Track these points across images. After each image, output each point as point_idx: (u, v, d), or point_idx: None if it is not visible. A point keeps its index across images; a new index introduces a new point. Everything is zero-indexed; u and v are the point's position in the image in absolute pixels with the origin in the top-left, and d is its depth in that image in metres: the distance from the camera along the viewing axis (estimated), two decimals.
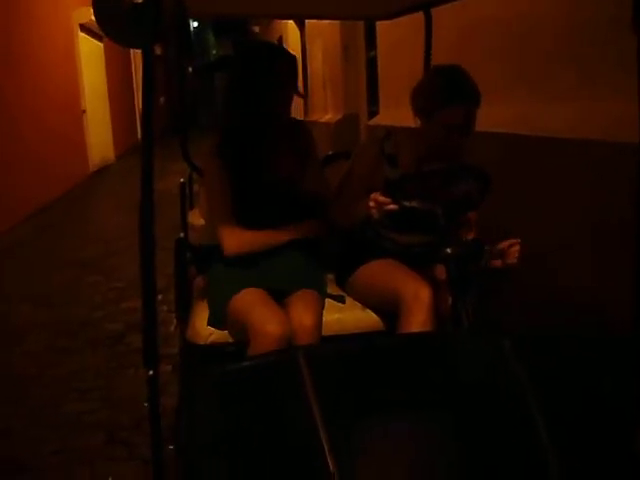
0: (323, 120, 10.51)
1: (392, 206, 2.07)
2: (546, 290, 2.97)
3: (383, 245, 2.35)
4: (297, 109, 14.33)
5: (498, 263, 2.15)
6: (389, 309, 2.25)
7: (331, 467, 1.17)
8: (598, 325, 2.55)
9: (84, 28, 11.38)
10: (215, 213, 2.33)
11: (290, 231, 2.29)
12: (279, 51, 2.30)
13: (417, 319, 2.09)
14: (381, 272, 2.33)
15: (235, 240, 2.27)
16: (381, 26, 7.11)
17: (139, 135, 16.97)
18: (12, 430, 2.96)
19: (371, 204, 2.05)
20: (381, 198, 2.07)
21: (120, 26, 1.71)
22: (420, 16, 3.05)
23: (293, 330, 2.06)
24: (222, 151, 2.28)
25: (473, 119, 2.25)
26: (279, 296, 2.24)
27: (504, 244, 2.16)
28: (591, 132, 2.82)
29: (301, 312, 2.11)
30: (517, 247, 2.19)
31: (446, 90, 2.21)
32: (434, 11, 3.02)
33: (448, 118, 2.21)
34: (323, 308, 2.25)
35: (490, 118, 2.59)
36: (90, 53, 12.01)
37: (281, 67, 2.21)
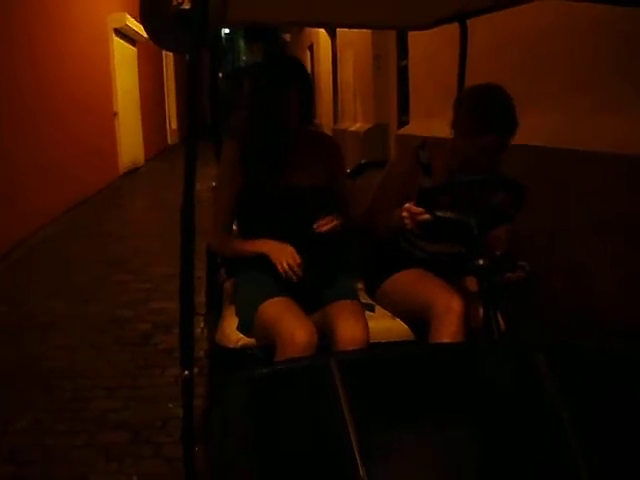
0: (353, 129, 10.53)
1: (425, 216, 2.08)
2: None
3: (415, 254, 2.35)
4: (327, 117, 14.39)
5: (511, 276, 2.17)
6: (419, 319, 2.25)
7: (361, 472, 1.18)
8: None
9: (118, 33, 11.55)
10: (214, 208, 2.41)
11: (271, 243, 2.27)
12: (290, 69, 2.30)
13: (448, 330, 2.09)
14: (413, 282, 2.33)
15: (217, 240, 2.44)
16: (413, 35, 7.11)
17: (169, 139, 17.18)
18: (41, 422, 3.02)
19: (404, 214, 2.07)
20: (414, 208, 2.08)
21: (166, 31, 1.75)
22: (453, 26, 3.05)
23: (341, 342, 2.07)
24: (240, 156, 2.34)
25: (508, 143, 2.25)
26: (310, 304, 2.25)
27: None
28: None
29: (351, 325, 2.11)
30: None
31: (488, 119, 2.20)
32: (470, 22, 3.02)
33: (483, 143, 2.21)
34: None
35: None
36: (123, 57, 12.18)
37: (288, 87, 2.24)
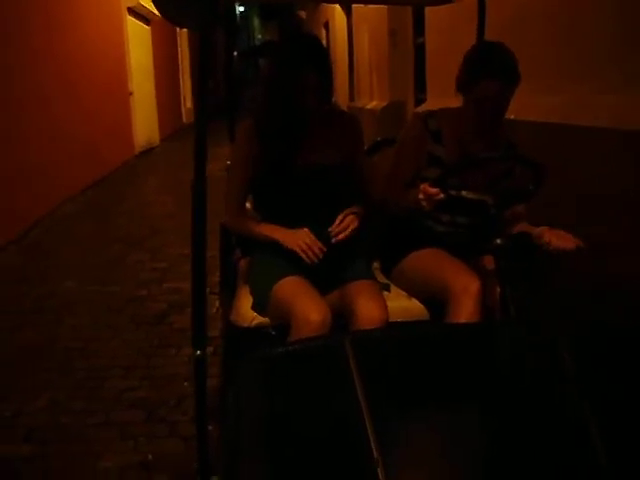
0: (369, 107, 10.44)
1: (441, 196, 2.04)
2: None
3: (436, 228, 2.32)
4: (343, 95, 14.29)
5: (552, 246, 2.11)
6: (436, 299, 2.23)
7: (375, 453, 1.16)
8: None
9: (132, 11, 11.50)
10: (228, 186, 2.40)
11: (284, 230, 2.25)
12: (309, 49, 2.23)
13: (466, 311, 2.06)
14: (430, 262, 2.30)
15: (230, 220, 2.42)
16: (430, 12, 7.00)
17: (184, 118, 17.15)
18: (57, 401, 3.04)
19: (421, 196, 2.03)
20: (430, 189, 2.04)
21: (179, 9, 1.71)
22: (471, 1, 2.99)
23: (360, 322, 2.05)
24: (255, 134, 2.30)
25: (508, 96, 2.21)
26: (327, 285, 2.23)
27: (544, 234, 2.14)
28: None
29: (369, 305, 2.09)
30: (556, 232, 2.16)
31: (479, 63, 2.20)
32: None
33: (481, 92, 2.18)
34: None
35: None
36: (137, 36, 12.13)
37: (307, 67, 2.17)
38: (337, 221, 2.22)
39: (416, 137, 2.37)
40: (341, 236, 2.20)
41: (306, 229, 2.19)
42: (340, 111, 2.53)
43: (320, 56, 2.22)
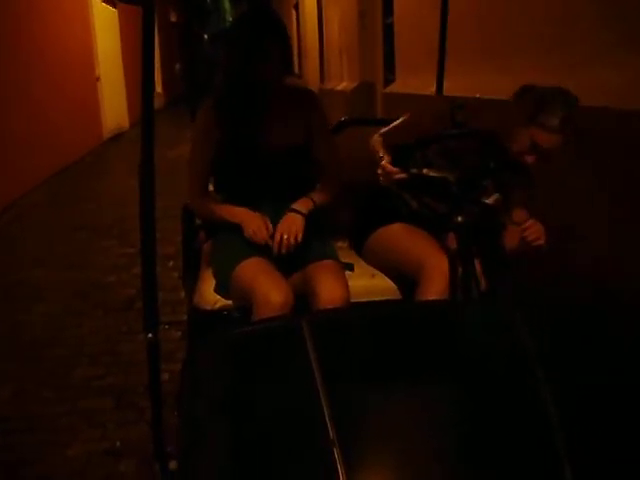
0: (339, 88, 10.41)
1: (400, 175, 2.04)
2: None
3: (401, 208, 2.32)
4: (314, 77, 14.22)
5: (515, 243, 2.13)
6: (405, 274, 2.23)
7: (331, 434, 1.15)
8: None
9: None
10: (189, 168, 2.38)
11: (246, 213, 2.24)
12: (264, 21, 2.21)
13: (436, 288, 2.07)
14: (402, 237, 2.31)
15: (193, 202, 2.40)
16: None
17: (155, 103, 16.91)
18: (25, 390, 3.01)
19: (379, 172, 2.03)
20: (389, 167, 2.04)
21: None
22: None
23: (321, 302, 2.05)
24: (216, 115, 2.27)
25: (555, 150, 2.14)
26: (290, 266, 2.22)
27: (527, 224, 2.14)
28: None
29: (331, 285, 2.09)
30: (538, 227, 2.17)
31: (552, 115, 2.06)
32: None
33: (537, 139, 2.10)
34: None
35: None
36: (104, 20, 11.92)
37: (264, 37, 2.15)
38: (275, 238, 2.19)
39: (438, 126, 2.28)
40: (284, 250, 2.18)
41: (262, 220, 2.19)
42: (299, 88, 2.50)
43: (274, 26, 2.20)
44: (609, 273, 2.67)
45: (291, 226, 2.20)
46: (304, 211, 2.27)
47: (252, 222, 2.20)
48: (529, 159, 2.15)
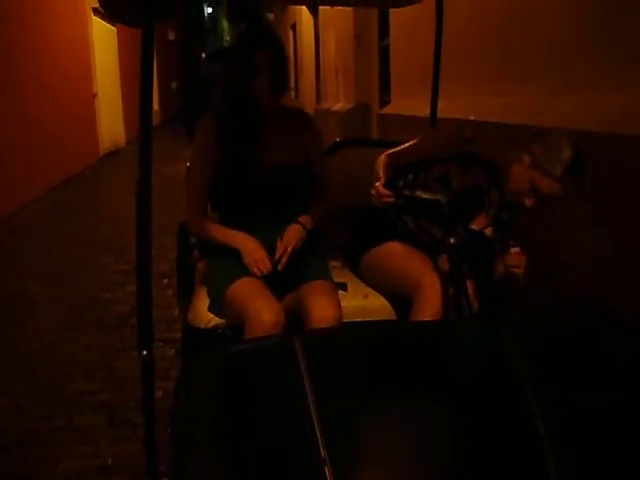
0: (335, 108, 10.48)
1: (389, 199, 2.09)
2: None
3: (397, 228, 2.36)
4: (310, 97, 14.31)
5: (501, 269, 2.17)
6: (399, 293, 2.26)
7: (323, 453, 1.17)
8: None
9: (97, 12, 11.36)
10: (187, 188, 2.39)
11: (245, 240, 2.26)
12: (262, 39, 2.24)
13: (431, 308, 2.10)
14: (398, 256, 2.34)
15: (191, 222, 2.40)
16: (394, 14, 7.07)
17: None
18: (18, 405, 3.00)
19: (372, 192, 2.07)
20: (381, 190, 2.08)
21: (121, 5, 1.70)
22: (433, 5, 3.02)
23: (313, 322, 2.06)
24: (214, 132, 2.30)
25: (553, 198, 2.16)
26: (283, 286, 2.24)
27: (511, 251, 2.18)
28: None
29: (323, 305, 2.10)
30: (520, 257, 2.20)
31: (560, 163, 2.07)
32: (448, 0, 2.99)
33: (541, 184, 2.12)
34: None
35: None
36: (103, 37, 12.00)
37: (261, 55, 2.18)
38: (278, 250, 2.23)
39: (444, 150, 2.32)
40: (283, 261, 2.21)
41: (262, 253, 2.21)
42: (295, 109, 2.54)
43: (272, 44, 2.23)
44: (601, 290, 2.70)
45: (298, 236, 2.25)
46: (308, 226, 2.30)
47: (254, 252, 2.21)
48: (527, 202, 2.17)
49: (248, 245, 2.23)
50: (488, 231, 2.22)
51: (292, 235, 2.25)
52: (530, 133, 2.20)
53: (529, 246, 2.25)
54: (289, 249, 2.21)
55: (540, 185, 2.11)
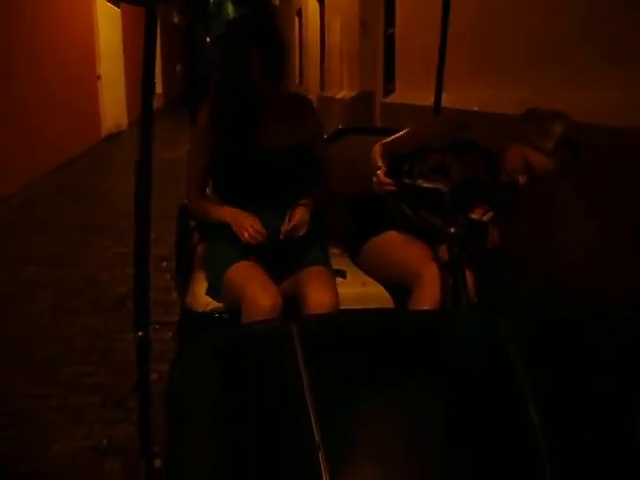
0: (339, 96, 10.43)
1: (390, 187, 2.08)
2: None
3: (397, 217, 2.35)
4: (314, 84, 14.26)
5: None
6: (398, 282, 2.26)
7: (317, 438, 1.17)
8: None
9: None
10: (188, 171, 2.41)
11: (236, 212, 2.25)
12: (253, 26, 2.21)
13: (430, 297, 2.10)
14: (398, 245, 2.33)
15: (191, 203, 2.43)
16: (400, 3, 7.03)
17: (154, 103, 16.92)
18: (14, 386, 3.00)
19: (374, 180, 2.06)
20: (383, 177, 2.07)
21: None
22: None
23: (310, 308, 2.06)
24: (211, 118, 2.30)
25: (547, 174, 2.16)
26: (282, 271, 2.24)
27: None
28: None
29: (320, 291, 2.10)
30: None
31: (552, 140, 2.09)
32: None
33: (533, 160, 2.13)
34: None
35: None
36: (107, 19, 11.94)
37: (252, 48, 2.15)
38: (287, 218, 2.21)
39: (440, 138, 2.29)
40: (289, 232, 2.20)
41: (252, 219, 2.20)
42: (295, 93, 2.54)
43: (265, 32, 2.20)
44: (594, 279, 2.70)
45: (304, 217, 2.23)
46: (310, 209, 2.29)
47: (244, 220, 2.20)
48: (521, 179, 2.16)
49: (238, 215, 2.23)
50: (487, 217, 2.22)
51: (299, 213, 2.23)
52: (522, 113, 2.21)
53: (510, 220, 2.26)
54: (295, 222, 2.20)
55: (533, 161, 2.12)
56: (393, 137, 2.43)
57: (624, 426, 1.36)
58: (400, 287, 2.28)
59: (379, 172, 2.10)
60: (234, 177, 2.33)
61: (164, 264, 4.41)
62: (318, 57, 13.91)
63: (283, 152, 2.29)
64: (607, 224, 2.63)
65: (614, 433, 1.33)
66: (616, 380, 1.43)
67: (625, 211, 2.50)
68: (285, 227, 2.19)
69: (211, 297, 2.22)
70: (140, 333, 1.59)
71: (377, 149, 2.38)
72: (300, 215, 2.22)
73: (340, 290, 2.19)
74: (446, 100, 3.32)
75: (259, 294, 2.02)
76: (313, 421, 1.18)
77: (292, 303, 2.11)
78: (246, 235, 2.16)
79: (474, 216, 2.22)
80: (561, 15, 3.32)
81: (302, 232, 2.22)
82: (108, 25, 11.98)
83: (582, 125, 2.62)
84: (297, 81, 17.04)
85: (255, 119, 2.28)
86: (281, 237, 2.19)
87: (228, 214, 2.26)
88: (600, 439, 1.31)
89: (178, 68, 20.33)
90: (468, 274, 2.12)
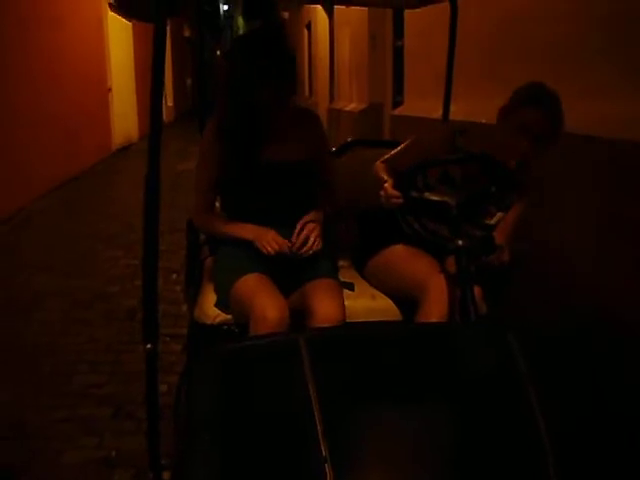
0: (348, 108, 10.47)
1: (398, 201, 2.09)
2: None
3: (405, 230, 2.36)
4: (323, 96, 14.31)
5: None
6: (406, 295, 2.26)
7: (324, 451, 1.17)
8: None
9: (113, 6, 11.43)
10: (195, 186, 2.41)
11: (255, 227, 2.26)
12: (264, 43, 2.20)
13: (438, 310, 2.10)
14: (405, 258, 2.34)
15: (200, 219, 2.44)
16: (409, 16, 7.05)
17: (164, 116, 17.06)
18: (23, 396, 3.02)
19: (381, 193, 2.07)
20: (390, 190, 2.08)
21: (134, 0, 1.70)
22: (448, 7, 3.01)
23: (316, 321, 2.07)
24: (219, 133, 2.31)
25: (548, 128, 2.20)
26: (290, 284, 2.24)
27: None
28: None
29: (326, 303, 2.11)
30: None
31: (524, 92, 2.24)
32: (462, 3, 2.98)
33: (521, 118, 2.19)
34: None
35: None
36: (118, 32, 12.06)
37: (261, 58, 2.14)
38: (297, 230, 2.22)
39: (437, 147, 2.33)
40: (304, 250, 2.19)
41: (273, 233, 2.20)
42: (301, 108, 2.54)
43: (274, 49, 2.19)
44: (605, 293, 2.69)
45: (315, 231, 2.23)
46: (319, 222, 2.29)
47: (265, 234, 2.21)
48: (523, 147, 2.20)
49: (258, 231, 2.24)
50: (497, 219, 2.24)
51: (311, 229, 2.23)
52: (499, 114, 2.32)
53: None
54: (311, 241, 2.20)
55: (525, 119, 2.17)
56: (392, 153, 2.45)
57: (635, 441, 1.35)
58: (408, 300, 2.28)
59: (386, 185, 2.11)
60: (240, 192, 2.34)
61: (174, 276, 4.43)
62: (327, 70, 13.97)
63: (289, 167, 2.30)
64: (618, 238, 2.62)
65: (625, 448, 1.33)
66: (626, 394, 1.43)
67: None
68: (294, 240, 2.20)
69: (220, 309, 2.23)
70: (149, 345, 1.60)
71: (379, 166, 2.40)
72: (315, 233, 2.22)
73: (348, 303, 2.20)
74: (456, 112, 3.33)
75: (267, 307, 2.03)
76: (320, 434, 1.19)
77: (300, 316, 2.12)
78: (269, 248, 2.16)
79: (489, 221, 2.24)
80: (577, 28, 3.32)
81: (317, 248, 2.22)
82: (119, 38, 12.10)
83: (597, 138, 2.63)
84: (307, 93, 17.10)
85: (261, 134, 2.29)
86: (293, 251, 2.19)
87: (249, 230, 2.26)
88: (610, 454, 1.31)
89: (188, 81, 20.47)
90: (476, 287, 2.12)
